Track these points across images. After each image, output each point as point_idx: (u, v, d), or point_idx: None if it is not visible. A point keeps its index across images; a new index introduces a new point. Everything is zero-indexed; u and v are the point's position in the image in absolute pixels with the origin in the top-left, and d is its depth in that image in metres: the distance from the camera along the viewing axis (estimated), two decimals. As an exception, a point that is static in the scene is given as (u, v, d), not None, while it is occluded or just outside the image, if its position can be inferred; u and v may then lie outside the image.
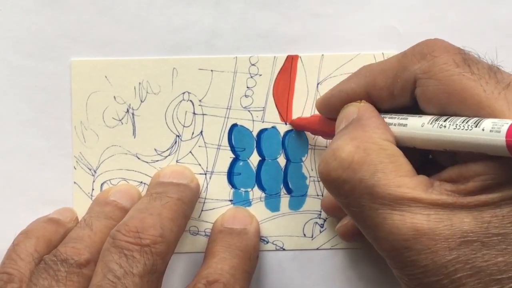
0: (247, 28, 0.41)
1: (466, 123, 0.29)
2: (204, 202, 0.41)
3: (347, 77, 0.36)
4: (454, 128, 0.30)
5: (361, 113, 0.34)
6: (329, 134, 0.37)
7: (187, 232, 0.41)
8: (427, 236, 0.29)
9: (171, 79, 0.40)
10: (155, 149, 0.41)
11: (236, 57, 0.41)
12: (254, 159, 0.41)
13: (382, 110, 0.34)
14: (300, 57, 0.40)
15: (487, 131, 0.28)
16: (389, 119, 0.33)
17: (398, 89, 0.33)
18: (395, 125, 0.33)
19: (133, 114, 0.40)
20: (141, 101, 0.40)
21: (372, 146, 0.31)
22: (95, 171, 0.41)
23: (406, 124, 0.32)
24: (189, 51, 0.41)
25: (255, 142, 0.41)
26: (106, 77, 0.40)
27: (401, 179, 0.30)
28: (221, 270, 0.36)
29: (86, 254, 0.35)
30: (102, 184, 0.41)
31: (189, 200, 0.38)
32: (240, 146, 0.41)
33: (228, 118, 0.41)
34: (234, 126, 0.41)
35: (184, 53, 0.41)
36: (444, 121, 0.30)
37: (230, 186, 0.41)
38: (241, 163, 0.41)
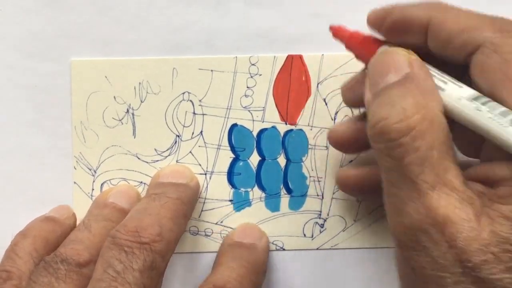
0: (247, 28, 0.41)
1: (504, 117, 0.28)
2: (204, 202, 0.41)
3: (418, 3, 0.34)
4: (489, 117, 0.29)
5: (415, 70, 0.32)
6: (366, 58, 0.34)
7: (187, 232, 0.41)
8: (451, 228, 0.28)
9: (171, 79, 0.40)
10: (155, 149, 0.41)
11: (236, 57, 0.41)
12: (254, 159, 0.41)
13: (424, 51, 0.33)
14: (302, 56, 0.41)
15: None
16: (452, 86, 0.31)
17: (458, 43, 0.31)
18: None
19: (133, 114, 0.40)
20: (141, 101, 0.40)
21: (436, 121, 0.30)
22: (95, 171, 0.41)
23: (444, 89, 0.31)
24: (189, 51, 0.41)
25: (255, 142, 0.41)
26: (106, 77, 0.40)
27: (449, 163, 0.29)
28: (229, 277, 0.36)
29: (85, 255, 0.35)
30: (102, 184, 0.41)
31: (189, 200, 0.38)
32: (240, 146, 0.41)
33: (228, 118, 0.41)
34: (234, 126, 0.41)
35: (184, 53, 0.41)
36: (483, 104, 0.29)
37: (230, 186, 0.41)
38: (241, 163, 0.41)
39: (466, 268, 0.28)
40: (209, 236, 0.41)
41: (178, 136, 0.41)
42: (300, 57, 0.40)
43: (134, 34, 0.41)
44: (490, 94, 0.30)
